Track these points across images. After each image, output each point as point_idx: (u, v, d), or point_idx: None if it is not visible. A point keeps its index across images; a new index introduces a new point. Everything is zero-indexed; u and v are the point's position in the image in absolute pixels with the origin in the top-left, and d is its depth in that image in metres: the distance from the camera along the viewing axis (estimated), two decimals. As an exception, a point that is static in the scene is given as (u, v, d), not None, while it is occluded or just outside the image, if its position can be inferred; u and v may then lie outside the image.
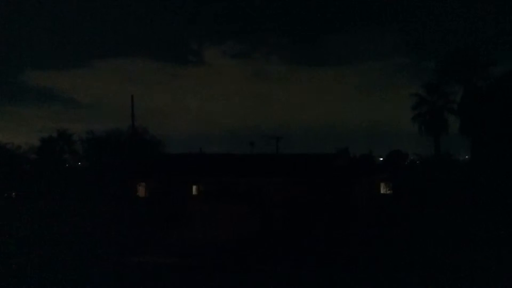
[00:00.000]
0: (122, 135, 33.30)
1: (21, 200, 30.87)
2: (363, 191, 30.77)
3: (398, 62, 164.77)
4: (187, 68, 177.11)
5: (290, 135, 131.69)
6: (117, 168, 30.05)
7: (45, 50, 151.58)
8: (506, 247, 20.11)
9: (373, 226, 26.53)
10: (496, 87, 33.31)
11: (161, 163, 33.17)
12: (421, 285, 15.34)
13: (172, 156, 36.47)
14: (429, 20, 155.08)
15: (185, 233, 24.62)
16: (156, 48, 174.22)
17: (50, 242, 23.01)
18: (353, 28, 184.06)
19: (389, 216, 29.12)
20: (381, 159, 65.27)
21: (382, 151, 67.26)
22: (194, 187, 33.57)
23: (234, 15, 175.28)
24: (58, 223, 26.33)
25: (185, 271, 17.69)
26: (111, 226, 25.73)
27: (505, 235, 22.45)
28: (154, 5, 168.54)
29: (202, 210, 26.76)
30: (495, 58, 48.48)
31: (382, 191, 34.45)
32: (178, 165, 34.16)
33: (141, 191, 33.53)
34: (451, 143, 40.79)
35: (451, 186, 31.72)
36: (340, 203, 27.63)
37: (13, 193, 33.76)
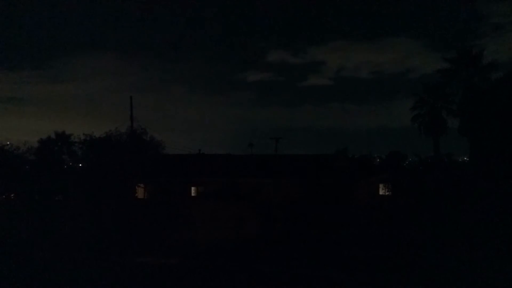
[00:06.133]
0: (121, 136, 33.15)
1: (21, 201, 30.76)
2: (362, 191, 30.81)
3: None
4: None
5: (289, 136, 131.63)
6: (116, 169, 29.91)
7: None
8: (505, 248, 20.13)
9: (372, 227, 26.51)
10: (495, 88, 33.32)
11: (160, 164, 33.10)
12: (419, 285, 15.35)
13: (171, 157, 36.40)
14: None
15: (185, 234, 24.57)
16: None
17: (50, 242, 22.98)
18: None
19: (388, 216, 29.07)
20: (379, 160, 65.27)
21: (382, 152, 67.34)
22: (193, 188, 33.56)
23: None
24: (58, 223, 26.28)
25: (185, 272, 17.69)
26: (110, 227, 25.68)
27: (504, 236, 22.46)
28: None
29: (202, 211, 26.70)
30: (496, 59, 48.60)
31: (381, 192, 34.39)
32: (178, 166, 34.10)
33: (140, 192, 33.43)
34: (450, 144, 40.85)
35: (450, 187, 31.69)
36: (339, 204, 27.62)
37: (12, 194, 33.62)
